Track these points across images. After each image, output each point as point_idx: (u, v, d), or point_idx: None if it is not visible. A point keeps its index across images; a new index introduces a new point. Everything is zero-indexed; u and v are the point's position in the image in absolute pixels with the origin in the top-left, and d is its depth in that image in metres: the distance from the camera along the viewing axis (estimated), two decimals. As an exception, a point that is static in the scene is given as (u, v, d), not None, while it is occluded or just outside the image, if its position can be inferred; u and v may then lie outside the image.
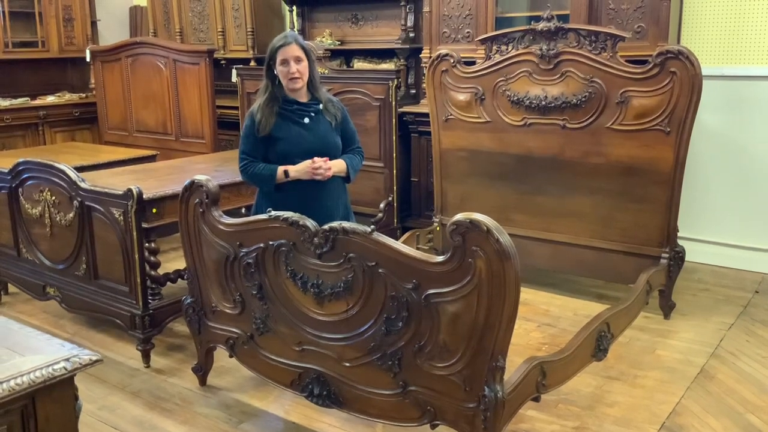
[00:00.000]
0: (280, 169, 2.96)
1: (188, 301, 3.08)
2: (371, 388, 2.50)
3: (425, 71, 4.67)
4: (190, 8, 6.60)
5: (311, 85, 3.04)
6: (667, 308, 3.86)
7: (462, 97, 4.24)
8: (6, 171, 3.78)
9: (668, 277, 3.77)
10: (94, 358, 1.60)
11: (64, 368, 1.54)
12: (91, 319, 3.87)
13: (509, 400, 2.27)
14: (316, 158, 2.95)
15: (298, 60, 2.94)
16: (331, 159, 3.02)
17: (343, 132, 3.12)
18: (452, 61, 4.22)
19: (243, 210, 4.00)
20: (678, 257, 3.82)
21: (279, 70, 2.96)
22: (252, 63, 6.12)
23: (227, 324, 2.95)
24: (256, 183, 3.08)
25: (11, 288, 4.25)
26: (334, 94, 4.61)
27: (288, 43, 2.94)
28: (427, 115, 4.57)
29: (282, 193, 2.98)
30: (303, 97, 3.04)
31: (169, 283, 3.69)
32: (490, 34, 4.25)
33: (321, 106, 3.05)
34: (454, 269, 2.20)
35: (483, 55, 4.19)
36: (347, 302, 2.48)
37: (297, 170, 2.95)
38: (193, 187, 2.89)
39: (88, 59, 6.51)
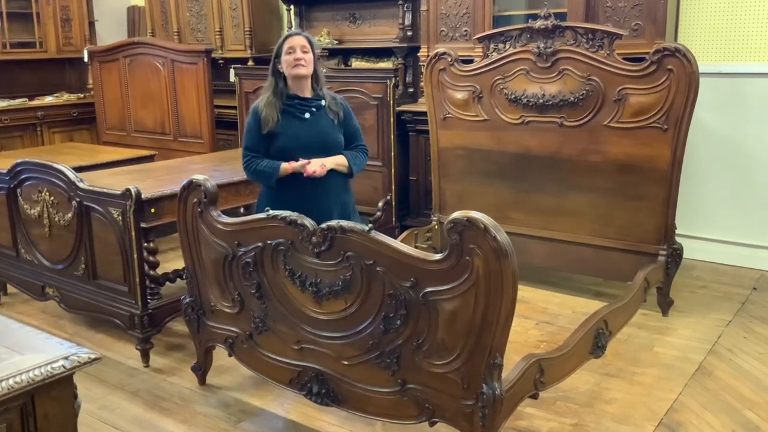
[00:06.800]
0: (283, 165, 2.97)
1: (187, 300, 3.09)
2: (370, 386, 2.51)
3: (423, 70, 4.67)
4: (187, 8, 6.60)
5: (315, 81, 3.07)
6: (665, 305, 3.87)
7: (460, 95, 4.25)
8: (4, 171, 3.78)
9: (666, 274, 3.78)
10: (93, 356, 1.60)
11: (63, 366, 1.54)
12: (91, 319, 3.88)
13: (507, 397, 2.28)
14: (312, 160, 2.96)
15: (304, 50, 2.99)
16: (331, 155, 3.04)
17: (345, 129, 3.13)
18: (450, 59, 4.23)
19: (241, 210, 4.01)
20: (676, 254, 3.82)
21: (284, 59, 2.99)
22: (250, 62, 6.12)
23: (226, 323, 2.95)
24: (259, 179, 3.09)
25: (10, 288, 4.26)
26: (333, 93, 4.64)
27: (296, 34, 3.05)
28: (425, 113, 4.57)
29: (281, 191, 3.01)
30: (306, 93, 3.06)
31: (168, 282, 3.71)
32: (487, 32, 4.25)
33: (324, 102, 3.07)
34: (451, 267, 2.20)
35: (481, 54, 4.20)
36: (345, 301, 2.49)
37: (295, 166, 2.97)
38: (191, 186, 2.90)
39: (86, 59, 6.51)
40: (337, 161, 3.05)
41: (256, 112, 3.03)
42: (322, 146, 3.02)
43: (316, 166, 2.95)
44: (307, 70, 3.01)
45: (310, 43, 3.04)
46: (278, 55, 3.03)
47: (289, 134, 3.00)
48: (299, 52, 2.98)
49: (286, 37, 3.03)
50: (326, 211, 2.98)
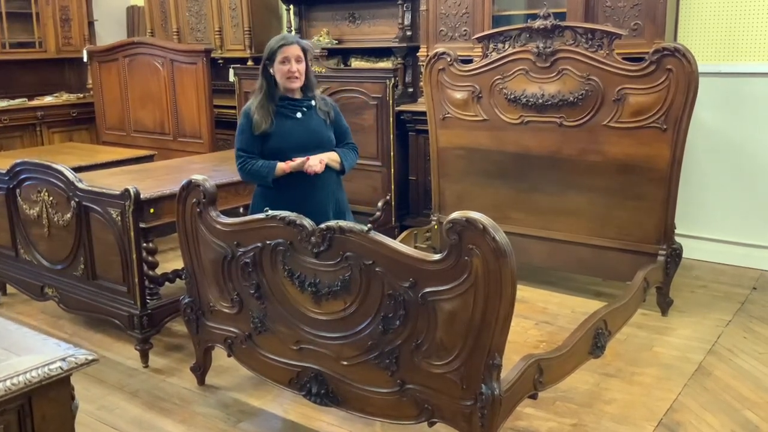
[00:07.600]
0: (279, 164, 2.99)
1: (186, 300, 3.09)
2: (369, 386, 2.50)
3: (422, 70, 4.67)
4: (187, 8, 6.59)
5: (306, 85, 3.10)
6: (664, 305, 3.87)
7: (459, 95, 4.25)
8: (4, 172, 3.78)
9: (665, 274, 3.78)
10: (90, 357, 1.60)
11: (60, 368, 1.54)
12: (90, 320, 3.87)
13: (506, 397, 2.27)
14: (311, 157, 2.98)
15: (298, 60, 3.00)
16: (324, 152, 3.06)
17: (336, 129, 3.16)
18: (449, 59, 4.23)
19: (241, 210, 4.00)
20: (675, 254, 3.82)
21: (278, 68, 2.99)
22: (249, 62, 6.11)
23: (225, 323, 2.95)
24: (254, 179, 3.10)
25: (10, 289, 4.26)
26: (332, 93, 4.64)
27: (290, 42, 3.01)
28: (424, 113, 4.57)
29: (277, 190, 3.02)
30: (297, 95, 3.09)
31: (167, 282, 3.71)
32: (486, 32, 4.25)
33: (314, 102, 3.10)
34: (450, 267, 2.20)
35: (480, 54, 4.19)
36: (344, 301, 2.48)
37: (292, 166, 2.98)
38: (190, 186, 2.90)
39: (85, 59, 6.50)
40: (331, 157, 3.08)
41: (248, 115, 3.04)
42: (315, 144, 3.05)
43: (316, 162, 2.97)
44: (300, 81, 3.03)
45: (304, 51, 3.03)
46: (270, 59, 3.01)
47: (282, 134, 3.02)
48: (294, 64, 2.98)
49: (282, 45, 2.98)
50: (322, 208, 3.02)
